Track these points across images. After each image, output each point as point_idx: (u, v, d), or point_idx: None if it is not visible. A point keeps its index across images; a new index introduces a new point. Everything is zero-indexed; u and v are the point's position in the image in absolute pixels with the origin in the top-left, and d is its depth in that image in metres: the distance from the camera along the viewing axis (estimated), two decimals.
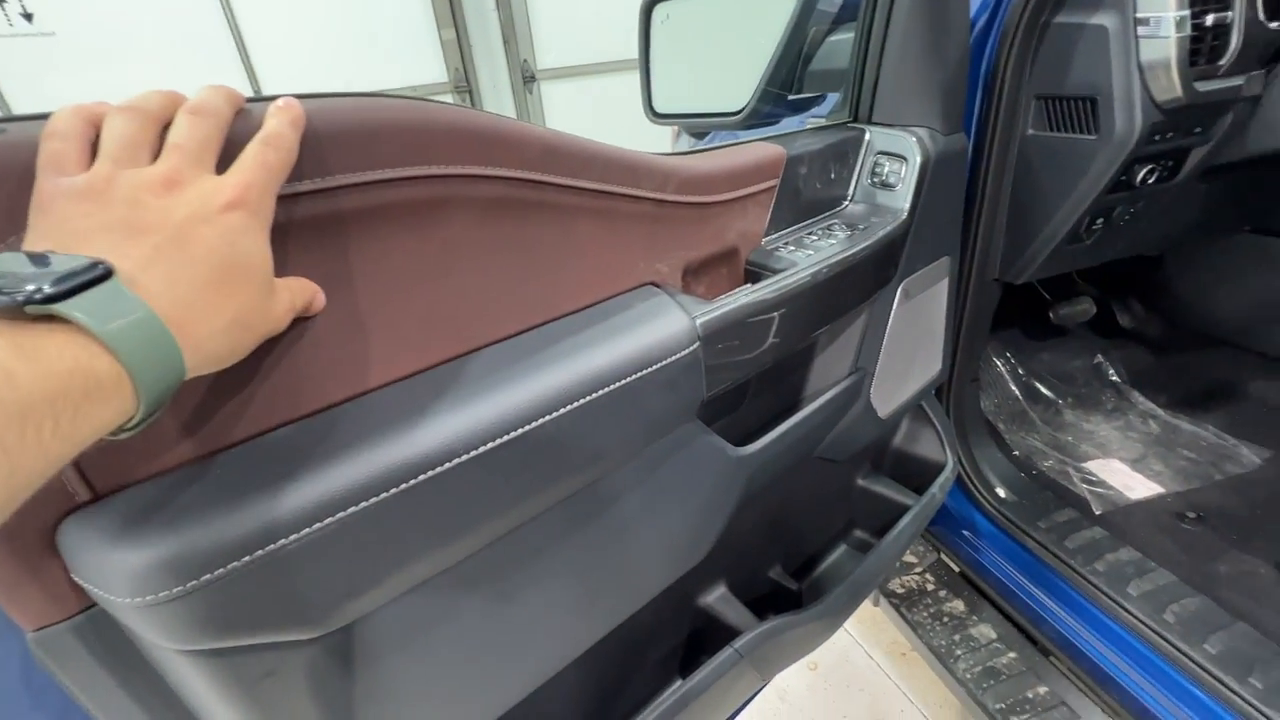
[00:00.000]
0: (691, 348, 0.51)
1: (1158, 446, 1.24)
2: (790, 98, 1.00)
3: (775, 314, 0.61)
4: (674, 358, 0.49)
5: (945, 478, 0.95)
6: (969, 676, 1.10)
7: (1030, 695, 1.05)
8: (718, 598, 0.78)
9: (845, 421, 0.82)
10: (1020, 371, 1.41)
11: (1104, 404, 1.37)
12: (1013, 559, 1.09)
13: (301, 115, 0.33)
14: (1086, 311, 1.41)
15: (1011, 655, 1.12)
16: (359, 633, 0.40)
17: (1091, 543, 1.03)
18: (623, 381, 0.47)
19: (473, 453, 0.39)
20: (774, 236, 0.71)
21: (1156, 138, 0.87)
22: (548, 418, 0.42)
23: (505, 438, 0.41)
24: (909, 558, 1.38)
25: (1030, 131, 0.96)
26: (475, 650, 0.48)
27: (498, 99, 3.58)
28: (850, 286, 0.70)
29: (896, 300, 0.81)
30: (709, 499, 0.62)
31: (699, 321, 0.52)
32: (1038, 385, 1.40)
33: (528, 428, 0.41)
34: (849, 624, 1.64)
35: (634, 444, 0.51)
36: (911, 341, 0.87)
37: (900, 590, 1.30)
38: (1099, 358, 1.46)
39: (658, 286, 0.56)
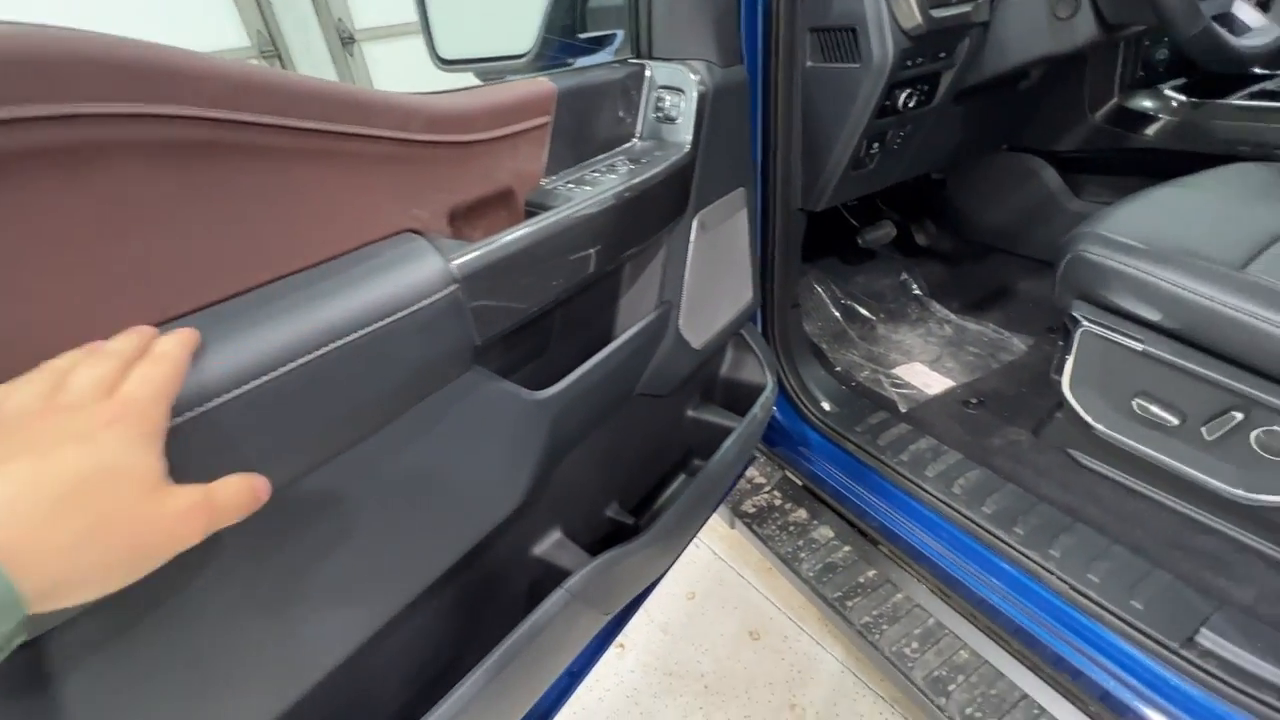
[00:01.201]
0: (447, 291, 0.49)
1: (950, 347, 1.41)
2: (581, 37, 0.98)
3: (550, 252, 0.60)
4: (426, 302, 0.47)
5: (765, 398, 1.01)
6: (811, 575, 1.21)
7: (861, 580, 1.18)
8: (552, 544, 0.79)
9: (659, 356, 0.84)
10: (839, 295, 1.54)
11: (909, 315, 1.53)
12: (838, 463, 1.20)
13: (195, 339, 0.36)
14: (889, 234, 1.55)
15: (846, 549, 1.25)
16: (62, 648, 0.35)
17: (898, 438, 1.16)
18: (367, 329, 0.44)
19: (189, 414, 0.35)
20: (556, 176, 0.70)
21: (909, 63, 0.96)
22: (271, 375, 0.39)
23: (219, 400, 0.37)
24: (758, 479, 1.48)
25: (809, 64, 1.01)
26: (269, 629, 0.44)
27: (312, 63, 3.24)
28: (635, 221, 0.71)
29: (694, 233, 0.83)
30: (510, 445, 0.62)
31: (455, 264, 0.50)
32: (854, 306, 1.53)
33: (245, 388, 0.38)
34: (720, 549, 1.74)
35: (403, 396, 0.49)
36: (716, 273, 0.91)
37: (752, 510, 1.40)
38: (904, 275, 1.62)
39: (417, 234, 0.53)
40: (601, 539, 0.88)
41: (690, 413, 1.02)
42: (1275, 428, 0.73)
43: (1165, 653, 0.76)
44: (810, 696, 1.38)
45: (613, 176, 0.71)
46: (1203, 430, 0.78)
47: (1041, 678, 0.93)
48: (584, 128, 0.74)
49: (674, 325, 0.84)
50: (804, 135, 1.08)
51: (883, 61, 0.93)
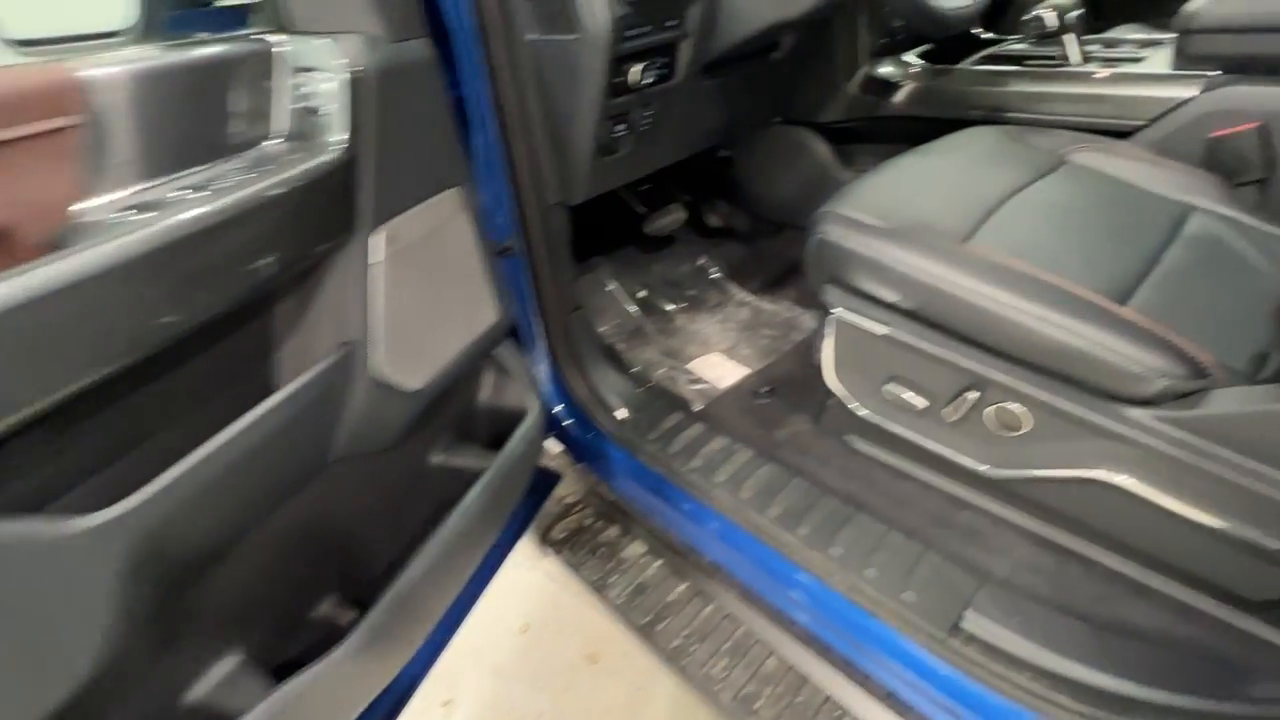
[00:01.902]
0: None
1: (747, 331, 1.37)
2: (210, 5, 0.76)
3: (71, 315, 0.41)
4: None
5: (527, 428, 0.88)
6: (620, 601, 1.11)
7: (672, 598, 1.10)
8: (222, 678, 0.60)
9: (353, 409, 0.67)
10: (634, 289, 1.44)
11: (709, 301, 1.47)
12: (635, 475, 1.10)
13: None
14: (678, 219, 1.48)
15: (658, 564, 1.16)
16: None
17: (691, 441, 1.08)
18: None
19: None
20: (109, 201, 0.50)
21: (631, 32, 0.85)
22: None
23: None
24: (570, 497, 1.36)
25: (530, 36, 0.87)
26: None
27: None
28: (247, 253, 0.53)
29: (377, 253, 0.67)
30: (49, 608, 0.42)
31: None
32: (651, 298, 1.44)
33: None
34: (553, 569, 1.62)
35: None
36: (432, 295, 0.75)
37: (562, 535, 1.28)
38: (702, 259, 1.56)
39: None
40: (315, 645, 0.70)
41: (436, 459, 0.87)
42: (1005, 404, 0.72)
43: (935, 644, 0.73)
44: (650, 717, 1.30)
45: (206, 195, 0.52)
46: (944, 412, 0.76)
47: (843, 679, 0.90)
48: (169, 130, 0.54)
49: (365, 369, 0.67)
50: (546, 120, 0.94)
51: (598, 30, 0.81)
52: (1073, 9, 1.09)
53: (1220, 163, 0.92)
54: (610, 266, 1.45)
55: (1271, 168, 0.89)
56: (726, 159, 1.55)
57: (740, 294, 1.49)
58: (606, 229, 1.51)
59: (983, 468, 0.78)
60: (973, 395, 0.73)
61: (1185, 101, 0.94)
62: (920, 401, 0.79)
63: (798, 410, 1.09)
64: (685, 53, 0.96)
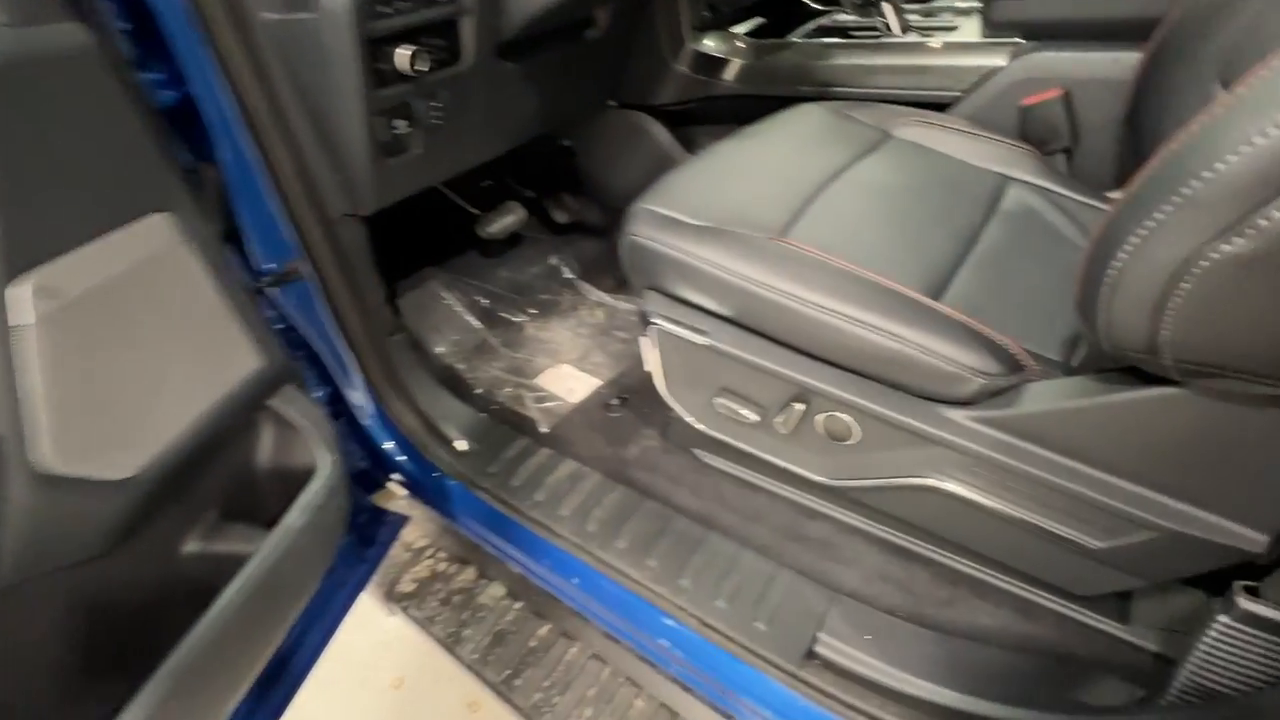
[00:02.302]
0: None
1: (600, 336, 1.27)
2: None
3: None
4: None
5: (315, 489, 0.73)
6: (474, 657, 1.00)
7: (534, 644, 0.99)
8: None
9: (13, 518, 0.50)
10: (476, 299, 1.30)
11: (561, 305, 1.36)
12: (479, 515, 0.98)
13: None
14: (518, 219, 1.35)
15: (518, 606, 1.05)
16: None
17: (537, 470, 0.97)
18: None
19: None
20: None
21: (384, 8, 0.71)
22: None
23: None
24: (419, 541, 1.22)
25: (265, 15, 0.71)
26: None
27: None
28: None
29: (24, 311, 0.50)
30: None
31: None
32: (495, 308, 1.31)
33: None
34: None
35: None
36: (139, 352, 0.59)
37: (411, 586, 1.14)
38: (553, 259, 1.44)
39: None
40: None
41: (190, 548, 0.70)
42: (834, 413, 0.66)
43: (788, 677, 0.67)
44: None
45: None
46: (776, 423, 0.69)
47: (713, 714, 0.83)
48: None
49: (23, 465, 0.51)
50: (309, 120, 0.78)
51: (335, 6, 0.66)
52: None
53: (1032, 131, 0.91)
54: (444, 277, 1.30)
55: (1077, 136, 0.89)
56: (568, 149, 1.43)
57: (595, 294, 1.39)
58: (437, 235, 1.36)
59: (822, 479, 0.72)
60: (800, 406, 0.67)
61: (995, 70, 0.93)
62: (752, 415, 0.72)
63: (649, 423, 1.01)
64: (469, 32, 0.83)
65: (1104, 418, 0.53)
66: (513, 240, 1.45)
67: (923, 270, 0.65)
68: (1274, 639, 0.51)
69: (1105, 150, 0.89)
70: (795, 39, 1.16)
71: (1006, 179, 0.84)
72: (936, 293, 0.64)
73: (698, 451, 0.91)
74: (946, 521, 0.68)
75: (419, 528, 1.22)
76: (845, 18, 1.25)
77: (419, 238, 1.30)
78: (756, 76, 1.13)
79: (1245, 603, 0.50)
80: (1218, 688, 0.55)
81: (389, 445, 1.05)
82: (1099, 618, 0.67)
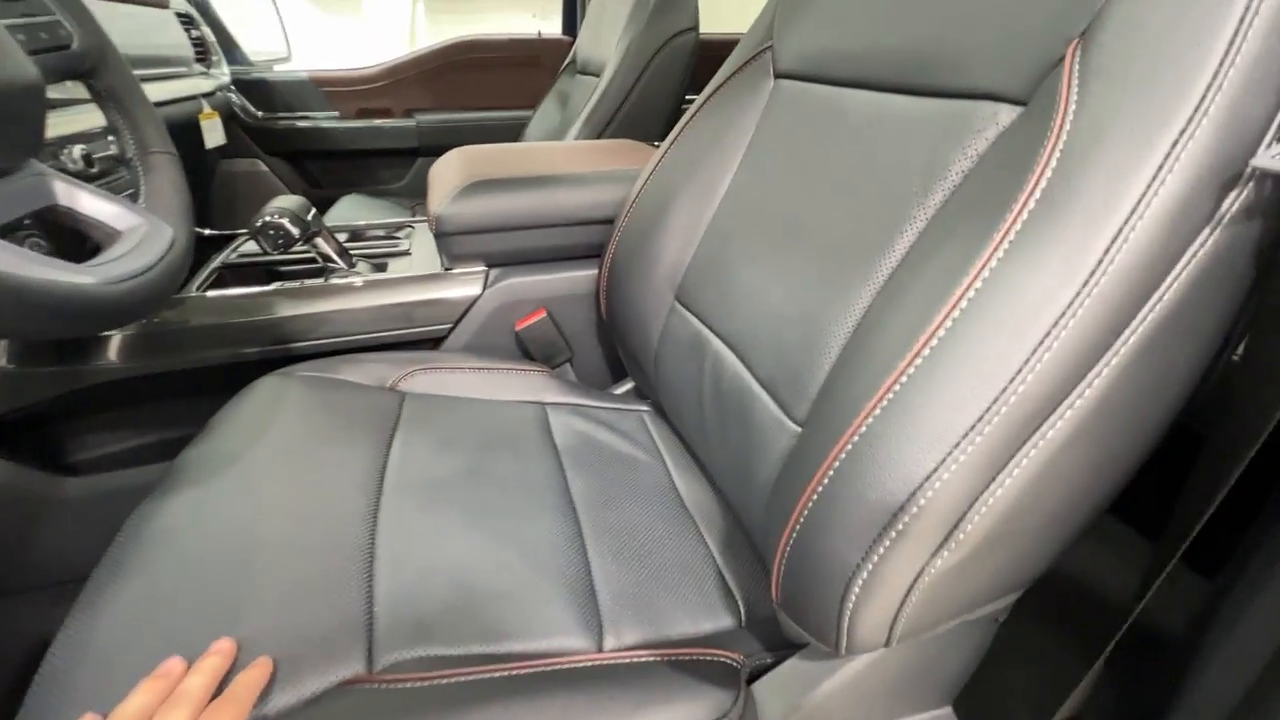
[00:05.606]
0: None
1: None
2: None
3: None
4: None
5: None
6: None
7: None
8: None
9: None
10: None
11: None
12: None
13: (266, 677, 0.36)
14: None
15: None
16: None
17: None
18: None
19: None
20: None
21: None
22: None
23: None
24: None
25: None
26: None
27: None
28: None
29: None
30: None
31: None
32: None
33: None
34: None
35: None
36: None
37: None
38: None
39: None
40: None
41: None
42: None
43: None
44: None
45: None
46: None
47: None
48: None
49: None
50: None
51: None
52: (303, 209, 0.87)
53: (535, 350, 0.89)
54: None
55: (570, 347, 0.91)
56: None
57: None
58: None
59: None
60: None
61: (476, 299, 0.87)
62: None
63: None
64: None
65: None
66: None
67: (557, 570, 0.49)
68: None
69: (597, 352, 0.94)
70: (202, 292, 0.84)
71: (543, 406, 0.78)
72: (586, 601, 0.49)
73: None
74: None
75: None
76: (252, 248, 1.00)
77: None
78: (157, 349, 0.76)
79: None
80: None
81: None
82: None
